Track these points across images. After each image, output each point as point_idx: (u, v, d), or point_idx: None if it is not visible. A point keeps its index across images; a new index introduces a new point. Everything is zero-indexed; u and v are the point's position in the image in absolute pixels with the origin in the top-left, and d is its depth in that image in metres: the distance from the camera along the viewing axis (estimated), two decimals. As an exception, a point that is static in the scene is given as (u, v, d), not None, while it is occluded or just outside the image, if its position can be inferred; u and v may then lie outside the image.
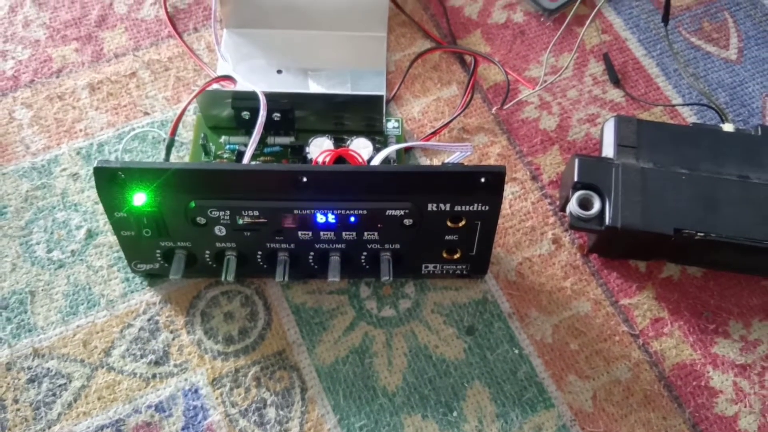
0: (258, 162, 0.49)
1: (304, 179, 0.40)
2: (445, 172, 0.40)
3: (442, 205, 0.40)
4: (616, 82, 0.54)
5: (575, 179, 0.45)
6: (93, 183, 0.50)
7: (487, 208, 0.41)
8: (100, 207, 0.48)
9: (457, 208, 0.41)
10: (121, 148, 0.51)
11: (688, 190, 0.45)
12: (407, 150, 0.51)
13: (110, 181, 0.40)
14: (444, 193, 0.40)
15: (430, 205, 0.40)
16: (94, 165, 0.39)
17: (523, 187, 0.50)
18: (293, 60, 0.54)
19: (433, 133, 0.52)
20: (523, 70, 0.55)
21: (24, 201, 0.49)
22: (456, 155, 0.46)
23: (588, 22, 0.50)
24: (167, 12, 0.57)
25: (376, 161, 0.43)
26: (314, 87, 0.52)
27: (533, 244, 0.48)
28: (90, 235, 0.48)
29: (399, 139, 0.51)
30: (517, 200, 0.50)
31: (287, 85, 0.53)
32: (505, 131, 0.52)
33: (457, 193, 0.40)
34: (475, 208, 0.41)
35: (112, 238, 0.48)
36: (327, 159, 0.43)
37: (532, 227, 0.49)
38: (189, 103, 0.45)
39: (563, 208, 0.48)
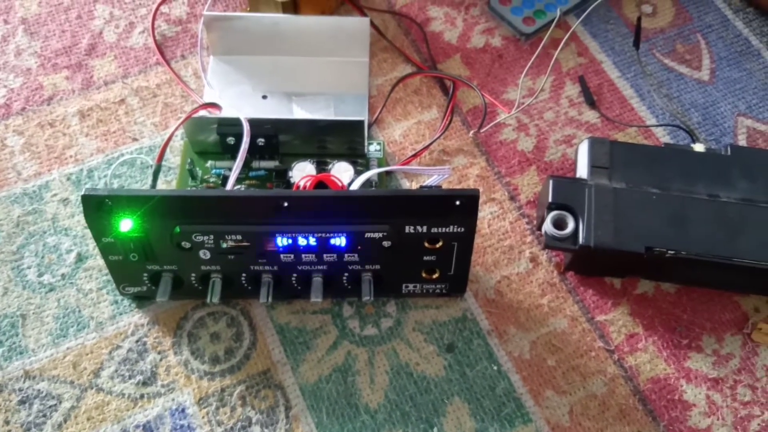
0: (243, 185, 0.51)
1: (286, 204, 0.41)
2: (421, 196, 0.41)
3: (419, 228, 0.42)
4: (592, 103, 0.56)
5: (550, 200, 0.47)
6: (81, 201, 0.51)
7: (463, 229, 0.42)
8: (89, 231, 0.49)
9: (434, 230, 0.42)
10: (110, 174, 0.52)
11: (659, 209, 0.46)
12: (389, 172, 0.53)
13: (97, 208, 0.41)
14: (420, 216, 0.41)
15: (407, 228, 0.42)
16: (82, 193, 0.41)
17: (501, 207, 0.52)
18: (278, 85, 0.56)
19: (414, 156, 0.53)
20: (501, 92, 0.56)
21: (16, 226, 0.51)
22: (435, 177, 0.47)
23: (561, 45, 0.52)
24: (155, 40, 0.58)
25: (356, 185, 0.45)
26: (298, 112, 0.54)
27: (511, 263, 0.50)
28: (80, 258, 0.49)
29: (381, 162, 0.53)
30: (496, 220, 0.51)
31: (272, 111, 0.54)
32: (484, 153, 0.54)
33: (433, 216, 0.41)
34: (451, 230, 0.42)
35: (101, 262, 0.49)
36: (308, 184, 0.44)
37: (510, 246, 0.50)
38: (175, 131, 0.47)
39: (540, 228, 0.49)
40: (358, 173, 0.50)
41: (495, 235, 0.51)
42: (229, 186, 0.44)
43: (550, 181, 0.47)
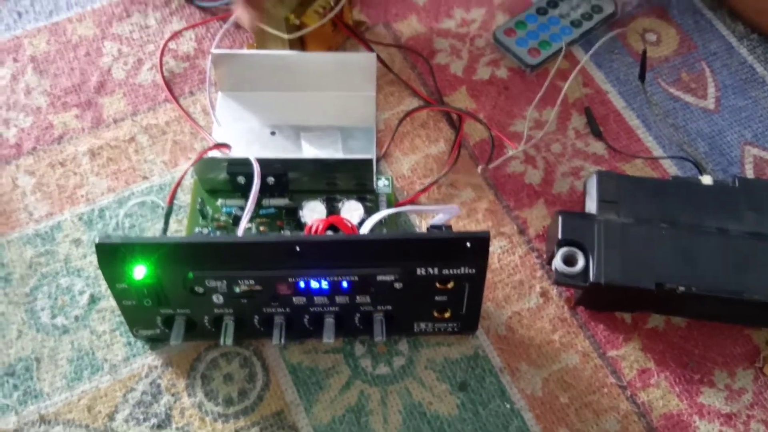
0: (253, 224, 0.51)
1: (298, 249, 0.41)
2: (431, 239, 0.42)
3: (430, 269, 0.42)
4: (598, 134, 0.56)
5: (559, 236, 0.47)
6: (94, 249, 0.52)
7: (474, 271, 0.42)
8: (101, 273, 0.49)
9: (445, 271, 0.42)
10: (122, 214, 0.53)
11: (669, 245, 0.47)
12: (399, 206, 0.53)
13: (111, 255, 0.41)
14: (431, 258, 0.42)
15: (419, 270, 0.42)
16: (96, 241, 0.41)
17: (510, 242, 0.52)
18: (286, 121, 0.56)
19: (422, 191, 0.53)
20: (508, 125, 0.57)
21: (28, 268, 0.51)
22: (443, 216, 0.48)
23: (570, 80, 0.52)
24: (164, 77, 0.59)
25: (366, 227, 0.45)
26: (306, 148, 0.54)
27: (522, 298, 0.50)
28: (93, 300, 0.50)
29: (389, 197, 0.53)
30: (505, 254, 0.52)
31: (280, 147, 0.55)
32: (492, 186, 0.54)
33: (444, 258, 0.42)
34: (462, 272, 0.42)
35: (114, 303, 0.49)
36: (319, 227, 0.44)
37: (520, 281, 0.50)
38: (185, 173, 0.47)
39: (550, 262, 0.49)
40: (367, 210, 0.50)
41: (505, 270, 0.51)
42: (240, 230, 0.45)
43: (559, 218, 0.47)
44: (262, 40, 0.57)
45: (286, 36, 0.54)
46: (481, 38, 0.61)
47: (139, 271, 0.42)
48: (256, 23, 0.51)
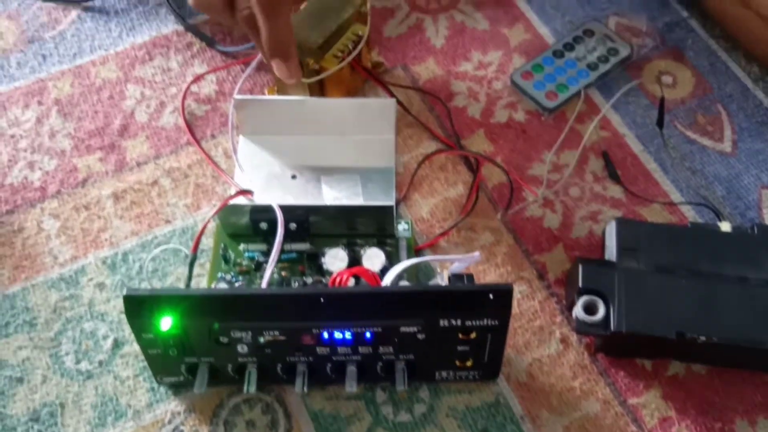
0: (275, 268, 0.51)
1: (322, 300, 0.42)
2: (455, 291, 0.42)
3: (453, 321, 0.42)
4: (616, 178, 0.56)
5: (580, 285, 0.47)
6: (118, 293, 0.52)
7: (497, 322, 0.43)
8: (125, 317, 0.50)
9: (468, 322, 0.43)
10: (147, 259, 0.53)
11: (689, 293, 0.47)
12: (417, 251, 0.54)
13: (139, 307, 0.42)
14: (454, 310, 0.42)
15: (442, 321, 0.42)
16: (124, 293, 0.42)
17: (530, 286, 0.52)
18: (306, 164, 0.56)
19: (441, 235, 0.54)
20: (526, 168, 0.57)
21: (53, 312, 0.52)
22: (459, 265, 0.48)
23: (591, 128, 0.53)
24: (186, 121, 0.60)
25: (389, 278, 0.45)
26: (327, 192, 0.55)
27: (542, 344, 0.50)
28: (116, 344, 0.50)
29: (410, 242, 0.53)
30: (525, 299, 0.52)
31: (301, 191, 0.55)
32: (511, 230, 0.55)
33: (467, 310, 0.42)
34: (484, 323, 0.43)
35: (137, 348, 0.49)
36: (343, 278, 0.45)
37: (540, 327, 0.51)
38: (208, 222, 0.48)
39: (570, 308, 0.49)
40: (388, 257, 0.51)
41: (525, 316, 0.51)
42: (264, 282, 0.45)
43: (579, 266, 0.48)
44: (282, 84, 0.58)
45: (305, 80, 0.55)
46: (499, 81, 0.61)
47: (166, 323, 0.42)
48: (295, 76, 0.52)
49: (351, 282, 0.47)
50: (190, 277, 0.48)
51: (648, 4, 0.65)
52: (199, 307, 0.42)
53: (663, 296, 0.47)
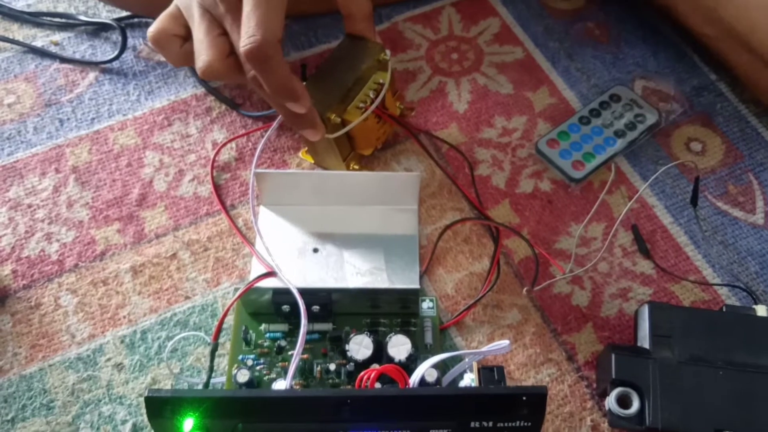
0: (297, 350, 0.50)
1: (349, 401, 0.41)
2: (487, 395, 0.41)
3: (485, 423, 0.41)
4: (646, 253, 0.55)
5: (613, 376, 0.46)
6: (137, 374, 0.51)
7: (530, 424, 0.41)
8: (143, 400, 0.49)
9: (500, 425, 0.41)
10: (166, 339, 0.52)
11: (725, 386, 0.45)
12: (442, 330, 0.52)
13: (161, 408, 0.41)
14: (486, 412, 0.41)
15: (473, 423, 0.41)
16: (145, 395, 0.41)
17: (559, 369, 0.51)
18: (329, 234, 0.55)
19: (465, 311, 0.53)
20: (553, 242, 0.56)
21: (71, 394, 0.51)
22: (490, 352, 0.47)
23: (626, 209, 0.51)
24: (215, 186, 0.58)
25: (418, 374, 0.44)
26: (349, 269, 0.54)
27: (572, 433, 0.49)
28: (135, 429, 0.49)
29: (434, 321, 0.52)
30: (555, 383, 0.50)
31: (324, 265, 0.54)
32: (539, 308, 0.53)
33: (500, 413, 0.41)
34: (517, 425, 0.41)
35: (157, 434, 0.48)
36: (371, 377, 0.44)
37: (570, 413, 0.49)
38: (228, 309, 0.47)
39: (601, 395, 0.48)
40: (413, 339, 0.49)
41: (555, 400, 0.50)
42: (289, 377, 0.44)
43: (612, 356, 0.46)
44: (311, 144, 0.57)
45: (329, 136, 0.53)
46: (524, 148, 0.60)
47: (188, 424, 0.41)
48: (316, 126, 0.51)
49: (377, 382, 0.45)
50: (211, 368, 0.47)
51: (675, 67, 0.64)
52: (223, 408, 0.41)
53: (699, 390, 0.45)
